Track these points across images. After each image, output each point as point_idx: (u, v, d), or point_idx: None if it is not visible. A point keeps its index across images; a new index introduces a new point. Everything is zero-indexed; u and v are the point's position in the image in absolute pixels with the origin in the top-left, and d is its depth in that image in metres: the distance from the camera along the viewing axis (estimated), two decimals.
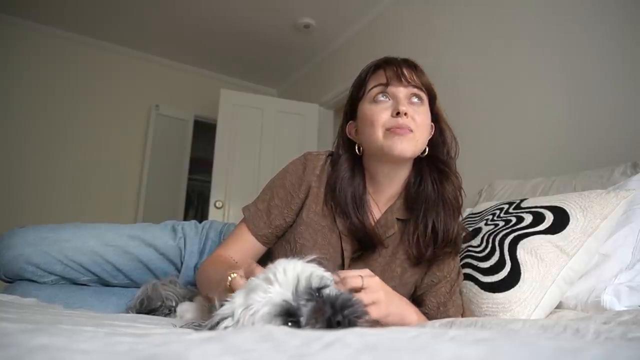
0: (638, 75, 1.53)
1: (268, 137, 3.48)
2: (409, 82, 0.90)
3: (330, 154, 1.02)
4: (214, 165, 3.31)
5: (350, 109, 0.98)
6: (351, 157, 0.97)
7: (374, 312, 0.70)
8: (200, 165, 4.23)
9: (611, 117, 1.59)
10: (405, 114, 0.87)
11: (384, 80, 0.91)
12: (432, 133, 0.97)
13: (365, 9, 3.05)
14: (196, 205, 4.63)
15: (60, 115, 3.43)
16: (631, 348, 0.24)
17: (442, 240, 0.90)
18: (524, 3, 2.01)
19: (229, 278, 0.65)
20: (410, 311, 0.82)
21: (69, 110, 3.47)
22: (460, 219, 0.98)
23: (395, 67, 0.91)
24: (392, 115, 0.89)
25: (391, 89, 0.90)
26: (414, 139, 0.89)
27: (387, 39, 2.91)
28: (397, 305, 0.78)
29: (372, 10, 3.04)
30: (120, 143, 3.65)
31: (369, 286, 0.71)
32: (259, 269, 0.62)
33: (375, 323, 0.71)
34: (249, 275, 0.63)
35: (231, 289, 0.62)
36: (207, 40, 3.60)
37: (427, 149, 0.95)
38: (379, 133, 0.89)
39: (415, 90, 0.91)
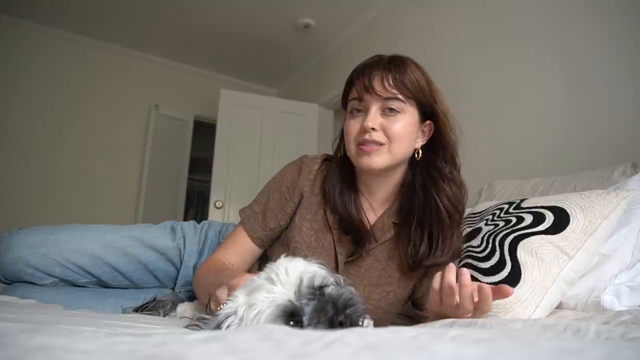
0: (638, 76, 1.53)
1: (268, 137, 3.48)
2: (379, 95, 0.86)
3: (326, 158, 1.02)
4: (214, 165, 3.31)
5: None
6: (346, 157, 0.96)
7: None
8: (200, 165, 4.23)
9: (611, 117, 1.58)
10: (373, 128, 0.86)
11: (357, 94, 0.90)
12: (430, 134, 0.94)
13: (365, 9, 3.05)
14: (196, 205, 4.63)
15: (59, 116, 3.43)
16: (631, 348, 0.24)
17: (438, 251, 0.89)
18: (524, 3, 2.01)
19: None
20: None
21: (69, 110, 3.47)
22: (461, 229, 0.96)
23: (366, 79, 0.87)
24: (360, 131, 0.88)
25: (364, 102, 0.89)
26: (386, 152, 0.88)
27: (386, 38, 2.91)
28: None
29: (372, 10, 3.04)
30: (120, 143, 3.65)
31: None
32: (223, 293, 0.64)
33: None
34: (217, 302, 0.65)
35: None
36: (207, 40, 3.60)
37: (420, 152, 0.93)
38: (352, 148, 0.90)
39: (389, 102, 0.87)
